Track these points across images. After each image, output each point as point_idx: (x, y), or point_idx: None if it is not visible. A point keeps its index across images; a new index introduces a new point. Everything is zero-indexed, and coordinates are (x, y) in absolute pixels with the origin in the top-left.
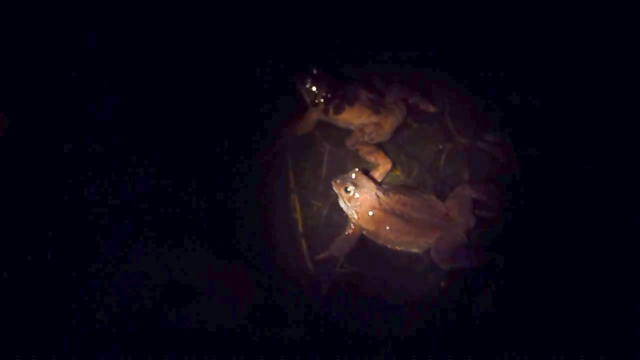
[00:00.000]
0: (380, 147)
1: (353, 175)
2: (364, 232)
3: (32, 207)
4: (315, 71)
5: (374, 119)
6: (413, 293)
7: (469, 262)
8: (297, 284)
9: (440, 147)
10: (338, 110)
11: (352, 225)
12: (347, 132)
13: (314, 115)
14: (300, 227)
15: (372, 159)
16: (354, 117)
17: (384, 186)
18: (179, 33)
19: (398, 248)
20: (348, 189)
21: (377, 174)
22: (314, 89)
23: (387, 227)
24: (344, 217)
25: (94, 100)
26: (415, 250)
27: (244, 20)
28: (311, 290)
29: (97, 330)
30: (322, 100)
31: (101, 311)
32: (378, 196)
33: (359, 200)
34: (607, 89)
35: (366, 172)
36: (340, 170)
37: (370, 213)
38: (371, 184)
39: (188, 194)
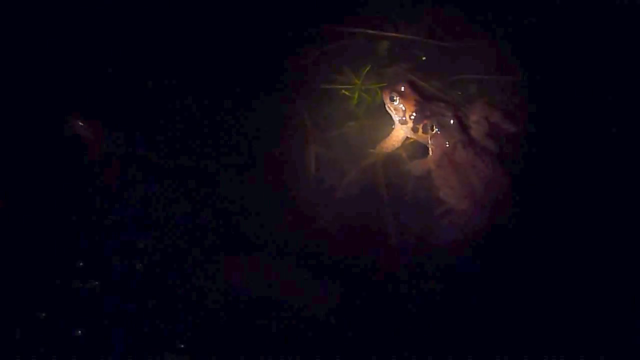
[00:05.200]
0: None
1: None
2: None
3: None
4: (403, 88)
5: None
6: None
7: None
8: None
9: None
10: (426, 129)
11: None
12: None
13: (402, 134)
14: None
15: None
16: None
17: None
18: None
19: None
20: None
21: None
22: (401, 106)
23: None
24: None
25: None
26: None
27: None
28: None
29: None
30: (410, 118)
31: None
32: (456, 147)
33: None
34: None
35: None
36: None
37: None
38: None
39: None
